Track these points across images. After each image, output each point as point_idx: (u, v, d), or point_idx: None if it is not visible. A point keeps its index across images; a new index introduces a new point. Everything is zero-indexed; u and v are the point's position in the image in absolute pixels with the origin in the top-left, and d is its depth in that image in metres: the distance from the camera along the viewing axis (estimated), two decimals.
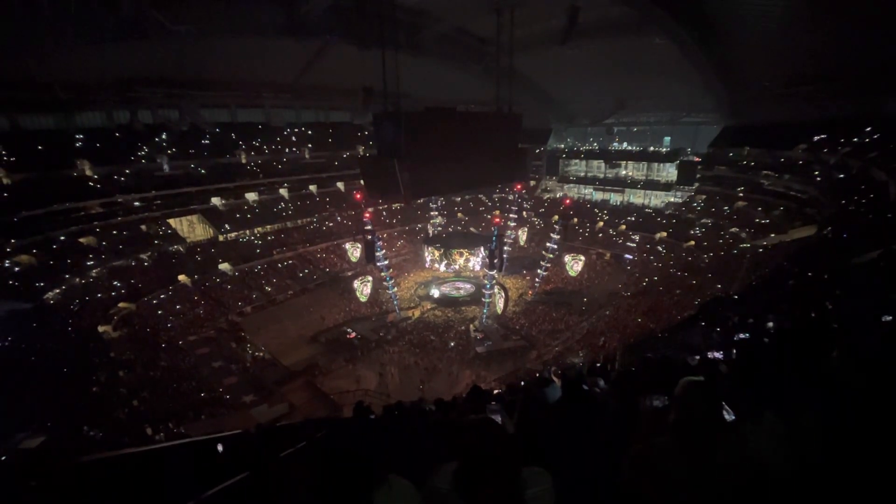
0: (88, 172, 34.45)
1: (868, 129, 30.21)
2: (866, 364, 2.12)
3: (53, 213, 30.96)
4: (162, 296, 32.26)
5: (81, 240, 31.96)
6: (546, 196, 59.19)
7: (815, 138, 34.71)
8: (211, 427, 16.83)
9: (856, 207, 24.51)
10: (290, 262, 40.70)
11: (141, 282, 32.12)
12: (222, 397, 22.71)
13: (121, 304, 29.40)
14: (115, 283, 30.89)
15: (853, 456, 1.60)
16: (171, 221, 38.42)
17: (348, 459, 1.47)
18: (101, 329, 26.63)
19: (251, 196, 43.89)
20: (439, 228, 47.22)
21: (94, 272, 30.78)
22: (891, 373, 1.97)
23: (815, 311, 7.74)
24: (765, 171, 39.24)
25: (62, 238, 30.87)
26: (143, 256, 34.33)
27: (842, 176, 30.32)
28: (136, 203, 36.19)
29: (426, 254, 41.78)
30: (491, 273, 31.26)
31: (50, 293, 27.17)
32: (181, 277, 34.27)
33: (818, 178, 32.69)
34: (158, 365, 24.50)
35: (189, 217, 39.92)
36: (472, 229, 50.14)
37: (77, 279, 29.51)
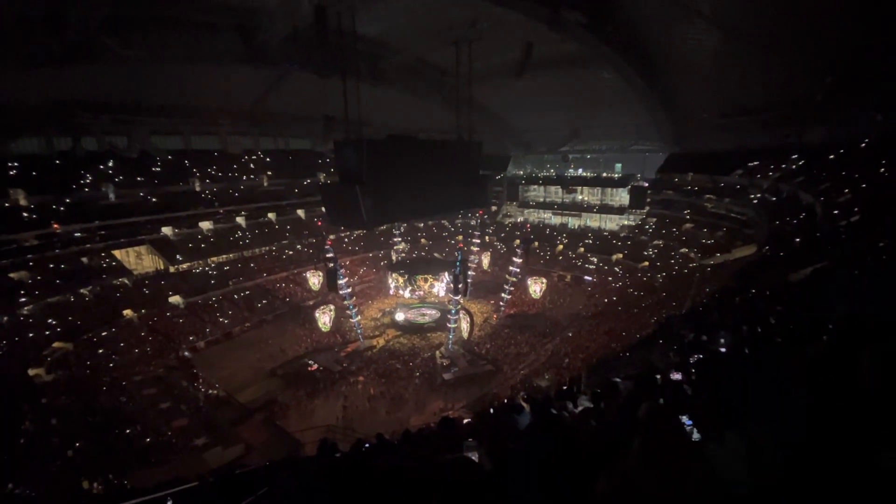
0: (23, 202, 32.04)
1: (794, 156, 33.22)
2: (814, 377, 2.25)
3: None
4: (104, 333, 29.74)
5: (12, 275, 29.37)
6: (507, 221, 60.60)
7: (750, 164, 37.76)
8: (159, 476, 15.47)
9: (789, 227, 26.63)
10: (248, 292, 38.99)
11: (80, 319, 29.66)
12: (171, 441, 21.02)
13: (56, 344, 26.94)
14: (51, 320, 28.39)
15: (810, 470, 1.66)
16: (117, 253, 36.08)
17: None
18: (32, 372, 24.24)
19: (206, 225, 42.16)
20: (403, 255, 46.98)
21: (25, 309, 28.23)
22: (836, 384, 2.09)
23: (760, 327, 8.20)
24: (707, 195, 42.10)
25: None
26: (84, 291, 31.85)
27: (774, 199, 32.99)
28: (77, 234, 33.80)
29: (390, 280, 41.30)
30: (456, 298, 31.25)
31: None
32: (126, 312, 31.96)
33: (754, 201, 35.40)
34: (98, 409, 22.45)
35: (137, 248, 37.72)
36: (435, 255, 50.22)
37: (5, 318, 26.93)
